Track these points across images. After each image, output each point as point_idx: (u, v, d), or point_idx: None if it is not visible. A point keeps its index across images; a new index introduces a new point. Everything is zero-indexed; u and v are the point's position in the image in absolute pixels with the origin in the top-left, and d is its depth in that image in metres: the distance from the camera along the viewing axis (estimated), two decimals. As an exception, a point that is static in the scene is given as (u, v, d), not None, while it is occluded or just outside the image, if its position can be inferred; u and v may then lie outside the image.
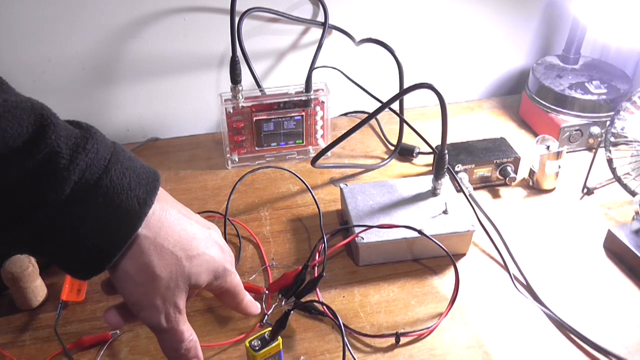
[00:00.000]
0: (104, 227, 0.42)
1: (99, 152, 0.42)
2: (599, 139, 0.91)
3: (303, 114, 0.89)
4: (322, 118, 0.90)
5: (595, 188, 0.85)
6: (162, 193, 0.47)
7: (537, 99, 0.96)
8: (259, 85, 0.96)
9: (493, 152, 0.86)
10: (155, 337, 0.48)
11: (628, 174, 0.81)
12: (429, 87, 0.70)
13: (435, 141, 0.87)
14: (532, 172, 0.85)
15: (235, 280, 0.52)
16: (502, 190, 0.86)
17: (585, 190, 0.84)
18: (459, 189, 0.81)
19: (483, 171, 0.85)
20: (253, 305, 0.56)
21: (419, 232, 0.70)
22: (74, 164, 0.40)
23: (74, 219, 0.41)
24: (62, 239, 0.41)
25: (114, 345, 0.63)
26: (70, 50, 0.90)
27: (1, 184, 0.39)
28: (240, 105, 0.87)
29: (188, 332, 0.48)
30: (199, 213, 0.78)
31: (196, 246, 0.47)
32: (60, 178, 0.40)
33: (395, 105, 0.81)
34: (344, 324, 0.64)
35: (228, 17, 0.84)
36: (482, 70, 1.09)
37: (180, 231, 0.46)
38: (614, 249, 0.74)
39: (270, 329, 0.56)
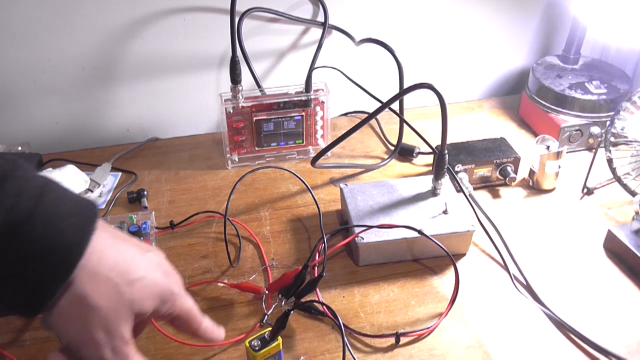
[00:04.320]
0: (44, 259, 0.39)
1: (31, 180, 0.39)
2: (599, 139, 0.91)
3: (303, 114, 0.89)
4: (322, 118, 0.90)
5: (595, 188, 0.85)
6: None
7: (537, 99, 0.96)
8: (259, 85, 0.96)
9: (493, 152, 0.86)
10: None
11: (628, 174, 0.81)
12: (429, 87, 0.70)
13: (435, 141, 0.87)
14: (532, 172, 0.85)
15: (187, 304, 0.47)
16: (502, 190, 0.86)
17: (585, 190, 0.84)
18: (459, 189, 0.81)
19: (483, 171, 0.85)
20: (215, 331, 0.50)
21: (419, 232, 0.70)
22: (3, 190, 0.38)
23: (12, 252, 0.38)
24: (0, 276, 0.38)
25: (114, 345, 0.63)
26: (70, 50, 0.90)
27: None
28: (240, 105, 0.87)
29: None
30: (198, 213, 0.80)
31: (135, 270, 0.43)
32: None
33: (395, 105, 0.81)
34: (344, 324, 0.64)
35: (228, 17, 0.84)
36: (482, 70, 1.09)
37: (116, 256, 0.42)
38: (614, 249, 0.74)
39: (270, 329, 0.56)
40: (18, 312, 0.41)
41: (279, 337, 0.56)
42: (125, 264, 0.43)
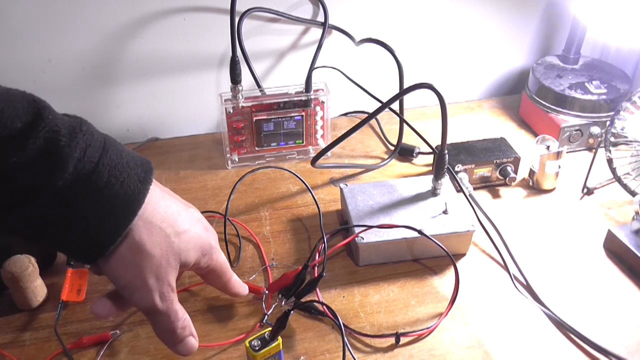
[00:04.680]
0: (108, 206, 0.41)
1: (94, 134, 0.43)
2: (599, 139, 0.91)
3: (303, 114, 0.89)
4: (322, 118, 0.90)
5: (595, 188, 0.85)
6: None
7: (537, 99, 0.96)
8: (259, 85, 0.96)
9: (493, 152, 0.86)
10: (150, 321, 0.47)
11: (628, 174, 0.81)
12: (429, 87, 0.70)
13: (435, 141, 0.87)
14: (532, 172, 0.85)
15: (222, 258, 0.52)
16: (502, 190, 0.86)
17: (585, 190, 0.84)
18: (459, 189, 0.81)
19: (483, 171, 0.85)
20: (241, 286, 0.55)
21: (419, 232, 0.70)
22: (74, 141, 0.40)
23: (79, 200, 0.41)
24: (67, 222, 0.41)
25: (114, 345, 0.63)
26: (70, 50, 0.90)
27: (3, 169, 0.39)
28: (240, 105, 0.87)
29: (181, 310, 0.48)
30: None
31: (182, 223, 0.47)
32: (64, 156, 0.40)
33: (395, 105, 0.81)
34: (344, 324, 0.64)
35: (228, 17, 0.84)
36: (482, 70, 1.09)
37: (166, 208, 0.46)
38: (614, 249, 0.74)
39: (270, 329, 0.56)
40: (79, 257, 0.44)
41: (279, 337, 0.56)
42: (173, 216, 0.46)
